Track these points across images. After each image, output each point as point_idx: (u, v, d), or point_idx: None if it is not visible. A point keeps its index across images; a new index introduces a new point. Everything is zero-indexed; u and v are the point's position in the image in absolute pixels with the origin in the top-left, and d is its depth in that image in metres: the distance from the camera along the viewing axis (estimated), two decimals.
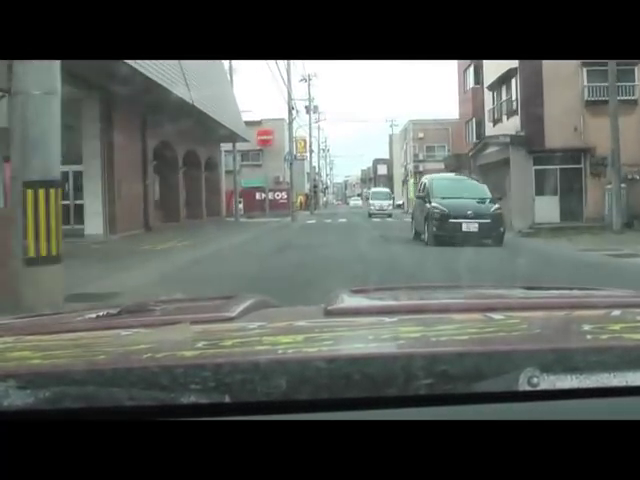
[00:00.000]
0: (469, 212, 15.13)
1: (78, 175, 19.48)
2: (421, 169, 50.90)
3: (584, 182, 23.01)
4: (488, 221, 15.10)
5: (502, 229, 15.20)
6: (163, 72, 17.55)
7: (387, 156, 78.89)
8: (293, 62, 36.01)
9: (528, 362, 0.75)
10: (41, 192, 6.17)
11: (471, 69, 35.62)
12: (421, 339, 0.96)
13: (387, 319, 1.13)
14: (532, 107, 21.80)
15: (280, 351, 0.87)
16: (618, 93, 20.23)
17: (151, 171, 22.87)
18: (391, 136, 73.87)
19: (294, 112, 36.18)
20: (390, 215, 39.32)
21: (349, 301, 1.36)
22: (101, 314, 1.33)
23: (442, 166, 45.40)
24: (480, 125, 39.72)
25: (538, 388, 0.74)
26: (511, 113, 24.40)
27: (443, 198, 15.56)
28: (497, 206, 15.74)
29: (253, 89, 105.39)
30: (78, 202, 19.70)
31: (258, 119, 46.14)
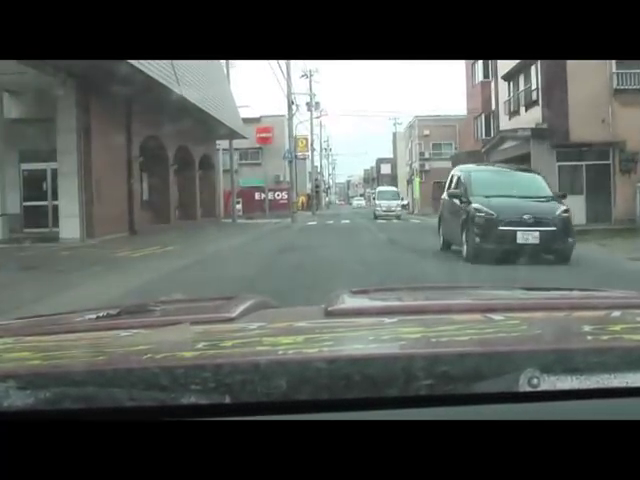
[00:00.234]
0: (526, 216, 10.55)
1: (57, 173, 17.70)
2: (427, 167, 49.21)
3: (613, 180, 20.57)
4: (553, 229, 10.54)
5: (572, 240, 10.69)
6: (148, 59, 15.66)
7: (390, 155, 77.29)
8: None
9: (528, 363, 0.75)
10: None
11: (480, 62, 33.89)
12: (421, 340, 0.96)
13: (387, 320, 1.12)
14: (555, 97, 19.61)
15: (280, 352, 0.87)
16: None
17: (137, 168, 21.02)
18: (395, 134, 72.29)
19: (294, 107, 34.31)
20: (399, 217, 35.55)
21: (349, 302, 1.37)
22: (101, 315, 1.32)
23: (449, 164, 43.77)
24: (489, 120, 38.05)
25: (538, 389, 0.74)
26: (531, 104, 22.24)
27: (487, 197, 11.13)
28: (564, 207, 11.14)
29: (251, 84, 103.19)
30: (57, 203, 17.89)
31: (257, 116, 44.54)
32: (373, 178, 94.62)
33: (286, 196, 38.23)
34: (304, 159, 52.76)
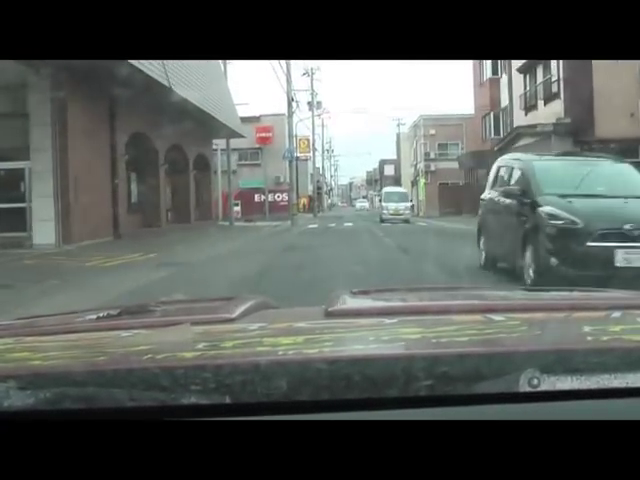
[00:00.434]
0: (628, 226, 6.90)
1: None
2: (433, 168, 47.65)
3: None
4: None
5: None
6: None
7: (394, 156, 75.81)
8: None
9: (528, 363, 0.75)
10: None
11: None
12: (421, 340, 0.97)
13: (387, 320, 1.12)
14: (578, 89, 17.78)
15: (281, 352, 0.87)
16: None
17: (122, 168, 19.31)
18: (398, 135, 70.73)
19: (294, 105, 32.61)
20: (407, 220, 31.99)
21: (349, 302, 1.36)
22: (101, 315, 1.32)
23: (456, 165, 42.33)
24: (499, 119, 36.46)
25: (538, 389, 0.74)
26: (550, 97, 20.49)
27: (563, 196, 7.54)
28: None
29: (250, 81, 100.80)
30: None
31: (257, 115, 42.99)
32: (376, 180, 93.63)
33: (287, 198, 36.48)
34: (306, 160, 51.34)
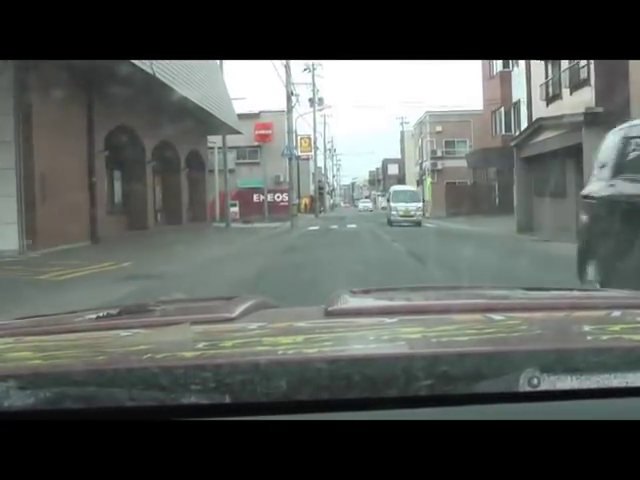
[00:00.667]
0: None
1: None
2: (439, 167, 45.78)
3: None
4: None
5: None
6: None
7: (397, 156, 74.04)
8: None
9: (528, 363, 0.75)
10: None
11: None
12: (421, 340, 0.96)
13: (387, 320, 1.12)
14: (612, 74, 15.91)
15: (280, 352, 0.87)
16: None
17: (101, 164, 17.40)
18: (402, 133, 68.95)
19: (294, 99, 30.62)
20: (419, 223, 28.29)
21: (349, 302, 1.35)
22: (101, 315, 1.31)
23: (463, 163, 40.51)
24: (510, 114, 34.57)
25: (538, 389, 0.74)
26: (578, 85, 18.35)
27: None
28: None
29: (249, 76, 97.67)
30: None
31: (256, 111, 40.98)
32: (379, 179, 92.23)
33: (287, 198, 34.54)
34: (307, 160, 49.56)
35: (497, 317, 1.10)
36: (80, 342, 1.07)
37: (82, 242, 15.55)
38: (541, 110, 20.69)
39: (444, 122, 46.24)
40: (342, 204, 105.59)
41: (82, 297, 7.71)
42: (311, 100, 46.48)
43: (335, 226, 26.77)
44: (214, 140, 30.20)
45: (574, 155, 16.35)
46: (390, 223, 28.43)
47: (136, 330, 1.12)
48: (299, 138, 46.69)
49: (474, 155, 38.91)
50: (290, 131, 29.64)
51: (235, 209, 35.46)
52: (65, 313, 1.56)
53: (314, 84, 45.44)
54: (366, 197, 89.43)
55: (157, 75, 15.54)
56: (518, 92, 30.11)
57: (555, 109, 19.66)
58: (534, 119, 20.12)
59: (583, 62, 17.89)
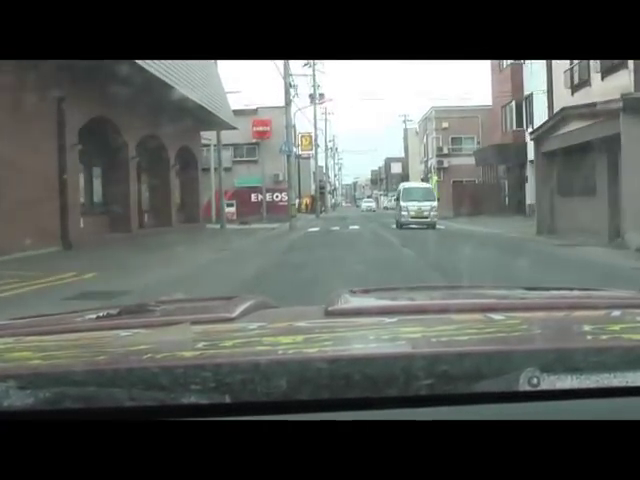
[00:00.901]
0: None
1: None
2: (445, 165, 43.96)
3: None
4: None
5: None
6: None
7: (401, 155, 72.33)
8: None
9: (528, 362, 0.75)
10: None
11: None
12: (421, 339, 0.96)
13: (387, 319, 1.12)
14: None
15: (280, 351, 0.87)
16: None
17: (74, 160, 15.50)
18: (406, 130, 67.08)
19: (292, 91, 28.69)
20: (434, 225, 24.30)
21: (349, 302, 1.35)
22: (101, 314, 1.31)
23: (471, 161, 38.75)
24: (521, 108, 32.70)
25: (538, 388, 0.74)
26: (611, 68, 16.29)
27: None
28: None
29: (245, 69, 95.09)
30: None
31: (254, 107, 39.12)
32: (382, 179, 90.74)
33: (286, 197, 32.76)
34: (308, 158, 47.75)
35: (497, 317, 1.11)
36: (80, 342, 1.07)
37: (52, 247, 13.74)
38: (565, 99, 18.63)
39: (450, 118, 44.40)
40: (344, 204, 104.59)
41: None
42: (311, 96, 44.59)
43: (336, 228, 24.92)
44: (209, 137, 28.42)
45: (607, 147, 14.48)
46: (400, 225, 24.89)
47: (136, 330, 1.13)
48: (300, 136, 44.95)
49: (483, 152, 37.13)
50: (289, 126, 27.71)
51: (232, 209, 34.02)
52: (65, 313, 1.55)
53: (314, 79, 43.59)
54: (368, 197, 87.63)
55: (146, 67, 13.78)
56: (531, 84, 28.29)
57: (582, 97, 17.64)
58: (558, 109, 18.06)
59: None
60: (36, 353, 0.99)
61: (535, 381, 0.73)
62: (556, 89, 20.65)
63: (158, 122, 19.10)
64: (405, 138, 67.88)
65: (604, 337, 0.92)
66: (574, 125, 16.15)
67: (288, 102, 27.27)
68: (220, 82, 25.14)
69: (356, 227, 25.39)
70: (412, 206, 24.91)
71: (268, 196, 37.76)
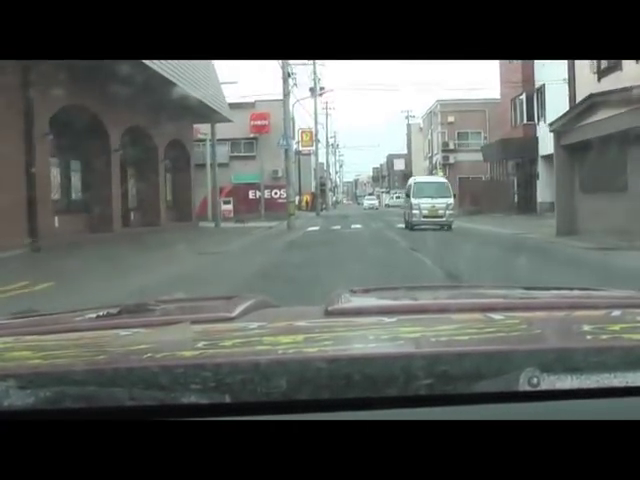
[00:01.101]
0: None
1: None
2: (451, 160, 42.33)
3: None
4: None
5: None
6: None
7: (403, 151, 70.85)
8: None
9: (528, 362, 0.75)
10: None
11: None
12: (421, 339, 0.96)
13: (387, 319, 1.12)
14: None
15: (280, 351, 0.87)
16: None
17: (45, 152, 13.96)
18: (409, 126, 65.48)
19: (291, 81, 27.09)
20: (450, 226, 20.91)
21: (349, 301, 1.35)
22: (101, 314, 1.31)
23: (478, 157, 37.13)
24: (532, 101, 30.96)
25: (538, 388, 0.74)
26: None
27: None
28: None
29: (243, 61, 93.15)
30: None
31: (251, 100, 37.50)
32: (384, 176, 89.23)
33: (285, 195, 31.27)
34: (309, 155, 46.22)
35: (497, 316, 1.11)
36: (80, 341, 1.07)
37: (15, 250, 12.18)
38: (589, 86, 16.82)
39: (456, 112, 42.62)
40: (345, 201, 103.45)
41: None
42: (312, 89, 43.01)
43: (337, 227, 23.33)
44: (205, 131, 26.89)
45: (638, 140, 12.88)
46: (410, 226, 21.26)
47: (136, 329, 1.13)
48: (300, 131, 43.38)
49: (491, 147, 35.49)
50: (287, 118, 26.09)
51: (229, 207, 32.62)
52: (65, 312, 1.55)
53: (315, 72, 42.01)
54: (370, 194, 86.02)
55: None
56: (542, 75, 26.58)
57: (611, 83, 15.91)
58: (582, 97, 16.41)
59: None
60: (36, 352, 1.00)
61: (535, 381, 0.73)
62: (579, 75, 18.96)
63: (144, 112, 17.59)
64: (408, 134, 66.33)
65: (604, 337, 0.92)
66: (603, 114, 14.44)
67: (286, 92, 25.59)
68: (214, 71, 23.57)
69: (358, 226, 23.85)
70: (425, 204, 21.22)
71: (267, 193, 36.26)
